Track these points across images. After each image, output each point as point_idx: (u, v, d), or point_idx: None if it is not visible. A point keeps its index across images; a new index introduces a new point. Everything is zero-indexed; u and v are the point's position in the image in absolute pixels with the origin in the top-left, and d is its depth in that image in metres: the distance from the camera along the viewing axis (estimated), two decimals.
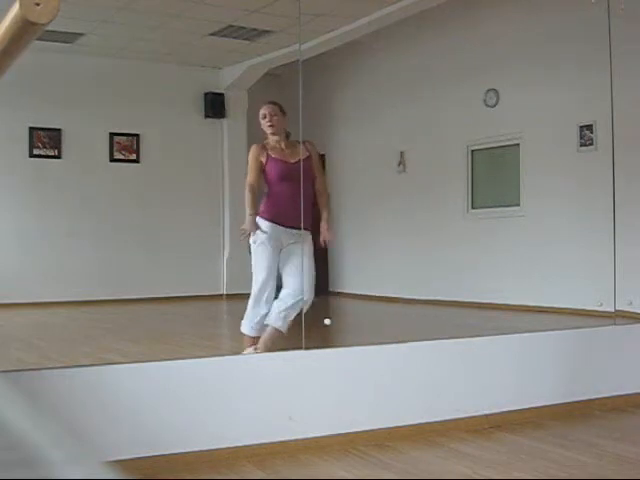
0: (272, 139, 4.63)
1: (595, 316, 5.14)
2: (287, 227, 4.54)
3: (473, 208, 7.98)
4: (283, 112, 4.65)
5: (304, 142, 4.68)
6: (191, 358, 3.73)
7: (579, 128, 6.75)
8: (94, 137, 8.87)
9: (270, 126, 4.60)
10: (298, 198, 4.42)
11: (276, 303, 4.54)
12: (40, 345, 5.70)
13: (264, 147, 4.62)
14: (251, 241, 4.55)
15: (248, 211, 4.54)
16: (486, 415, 4.00)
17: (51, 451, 0.48)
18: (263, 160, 4.57)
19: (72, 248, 8.49)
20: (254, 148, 4.64)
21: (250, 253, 4.62)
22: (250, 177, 4.60)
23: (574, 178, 6.84)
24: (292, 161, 4.60)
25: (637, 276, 5.29)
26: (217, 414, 3.48)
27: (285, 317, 4.47)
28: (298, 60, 4.62)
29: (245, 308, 4.63)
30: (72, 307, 7.94)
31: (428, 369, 4.01)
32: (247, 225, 4.52)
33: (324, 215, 4.69)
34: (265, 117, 4.62)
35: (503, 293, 7.00)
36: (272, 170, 4.57)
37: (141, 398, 3.36)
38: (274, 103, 4.67)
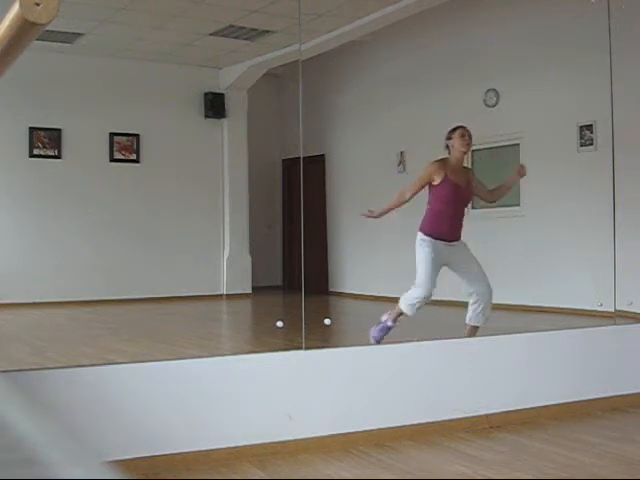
0: (458, 159, 4.92)
1: (595, 316, 5.14)
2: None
3: (473, 208, 7.94)
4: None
5: (469, 169, 5.23)
6: (191, 358, 3.73)
7: (579, 128, 6.75)
8: (94, 137, 8.87)
9: (468, 144, 4.94)
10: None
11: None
12: (40, 345, 5.69)
13: (444, 167, 4.88)
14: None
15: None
16: (486, 415, 4.00)
17: (51, 451, 0.48)
18: (437, 181, 4.85)
19: (72, 248, 8.49)
20: (433, 165, 4.88)
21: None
22: (411, 189, 4.91)
23: (574, 178, 6.84)
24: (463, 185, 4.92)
25: (637, 276, 5.29)
26: (217, 414, 3.48)
27: None
28: (298, 60, 4.63)
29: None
30: (72, 307, 7.93)
31: (428, 369, 4.01)
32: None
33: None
34: (464, 136, 4.93)
35: (503, 293, 6.99)
36: (444, 190, 4.87)
37: (141, 398, 3.36)
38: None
